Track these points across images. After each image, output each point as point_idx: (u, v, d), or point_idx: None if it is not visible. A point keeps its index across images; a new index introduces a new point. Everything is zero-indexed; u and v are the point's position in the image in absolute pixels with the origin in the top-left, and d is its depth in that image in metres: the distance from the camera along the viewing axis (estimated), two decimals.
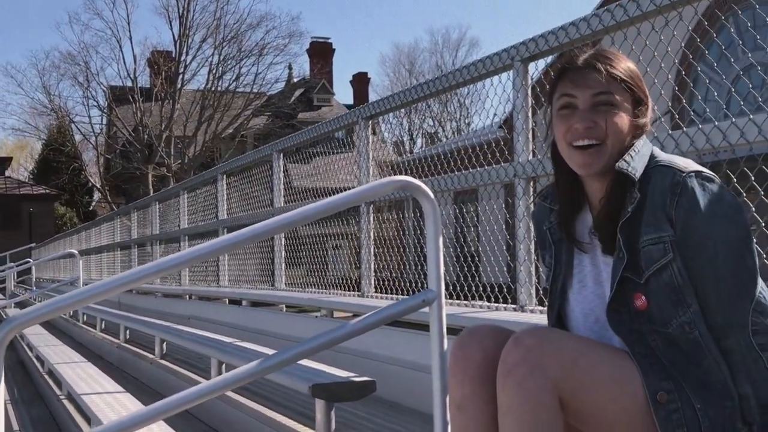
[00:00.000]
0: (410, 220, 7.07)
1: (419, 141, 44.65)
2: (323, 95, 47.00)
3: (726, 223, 1.77)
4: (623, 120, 1.88)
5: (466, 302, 4.94)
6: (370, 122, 6.10)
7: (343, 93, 75.08)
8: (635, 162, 1.87)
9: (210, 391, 2.73)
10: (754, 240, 1.82)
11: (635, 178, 1.85)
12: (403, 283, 5.85)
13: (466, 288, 5.07)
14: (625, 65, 1.92)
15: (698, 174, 1.81)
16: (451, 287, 5.16)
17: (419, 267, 5.84)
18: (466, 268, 5.30)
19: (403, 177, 3.27)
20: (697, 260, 1.77)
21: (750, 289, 1.75)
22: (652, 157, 1.90)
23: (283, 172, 7.86)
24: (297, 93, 45.82)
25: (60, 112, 42.22)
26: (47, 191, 43.96)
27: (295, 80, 46.39)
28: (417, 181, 2.99)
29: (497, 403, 1.78)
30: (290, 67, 44.15)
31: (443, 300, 2.96)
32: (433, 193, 2.50)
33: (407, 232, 7.17)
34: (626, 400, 1.74)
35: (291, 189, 7.67)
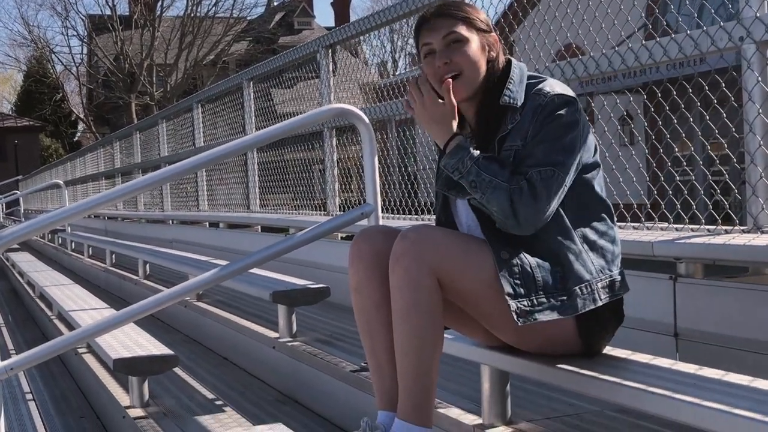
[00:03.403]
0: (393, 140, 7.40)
1: (401, 62, 44.50)
2: (304, 18, 46.71)
3: (556, 126, 2.20)
4: (473, 50, 2.31)
5: (403, 216, 5.42)
6: (330, 51, 6.46)
7: (324, 16, 74.53)
8: (515, 93, 2.30)
9: (171, 297, 3.18)
10: (581, 152, 2.24)
11: (517, 107, 2.28)
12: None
13: None
14: (462, 7, 2.35)
15: (558, 96, 2.24)
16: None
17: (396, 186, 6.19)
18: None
19: (340, 105, 3.69)
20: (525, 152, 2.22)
21: (554, 186, 2.18)
22: (529, 83, 2.32)
23: (261, 98, 8.15)
24: (277, 17, 45.54)
25: (39, 43, 42.05)
26: (31, 123, 43.99)
27: (275, 4, 46.09)
28: (352, 108, 3.41)
29: (389, 285, 2.23)
30: None
31: (379, 213, 3.40)
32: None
33: (390, 153, 7.46)
34: (487, 276, 2.18)
35: (275, 114, 7.97)
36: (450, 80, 2.27)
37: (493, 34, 2.37)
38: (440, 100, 2.27)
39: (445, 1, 2.40)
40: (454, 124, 2.28)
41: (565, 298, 2.19)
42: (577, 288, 2.20)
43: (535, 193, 2.15)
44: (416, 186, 5.78)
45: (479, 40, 2.33)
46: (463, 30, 2.31)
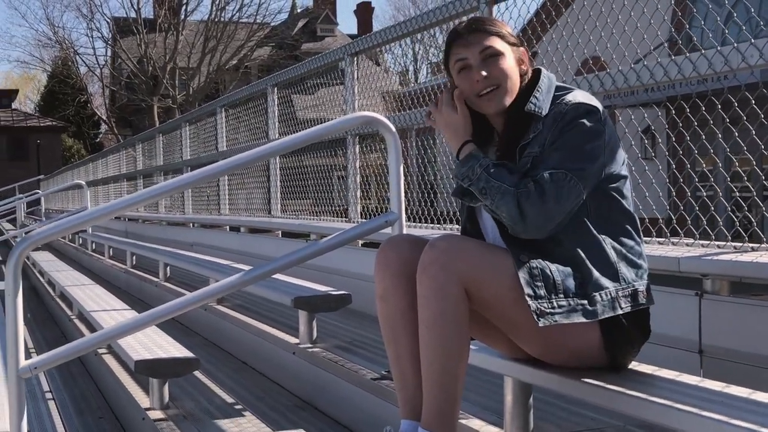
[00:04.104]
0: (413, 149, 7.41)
1: (424, 70, 44.52)
2: (327, 25, 46.86)
3: (575, 135, 2.22)
4: (508, 62, 2.34)
5: (424, 225, 5.42)
6: (355, 58, 6.47)
7: (347, 23, 74.71)
8: (541, 102, 2.32)
9: (196, 301, 3.19)
10: (603, 155, 2.22)
11: (541, 116, 2.29)
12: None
13: None
14: (495, 23, 2.40)
15: (579, 105, 2.25)
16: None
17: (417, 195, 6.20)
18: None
19: (367, 113, 3.69)
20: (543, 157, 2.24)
21: (573, 192, 2.19)
22: (556, 94, 2.33)
23: (282, 104, 8.19)
24: (300, 23, 45.69)
25: (64, 44, 42.34)
26: (54, 123, 44.30)
27: (299, 10, 46.26)
28: (379, 116, 3.41)
29: (417, 294, 2.24)
30: None
31: (403, 221, 3.40)
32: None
33: (410, 161, 7.47)
34: (512, 283, 2.18)
35: (295, 120, 7.99)
36: (458, 91, 2.34)
37: (522, 47, 2.41)
38: (455, 108, 2.33)
39: (476, 17, 2.43)
40: (467, 132, 2.33)
41: (585, 302, 2.19)
42: (596, 294, 2.21)
43: (542, 194, 2.16)
44: (436, 195, 5.78)
45: (513, 53, 2.36)
46: (498, 44, 2.34)
